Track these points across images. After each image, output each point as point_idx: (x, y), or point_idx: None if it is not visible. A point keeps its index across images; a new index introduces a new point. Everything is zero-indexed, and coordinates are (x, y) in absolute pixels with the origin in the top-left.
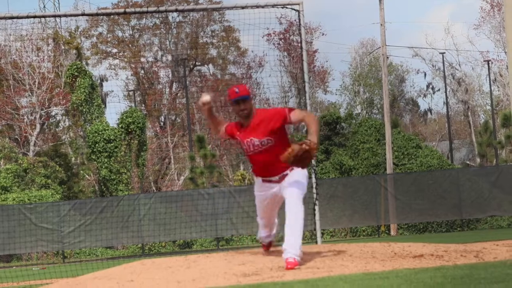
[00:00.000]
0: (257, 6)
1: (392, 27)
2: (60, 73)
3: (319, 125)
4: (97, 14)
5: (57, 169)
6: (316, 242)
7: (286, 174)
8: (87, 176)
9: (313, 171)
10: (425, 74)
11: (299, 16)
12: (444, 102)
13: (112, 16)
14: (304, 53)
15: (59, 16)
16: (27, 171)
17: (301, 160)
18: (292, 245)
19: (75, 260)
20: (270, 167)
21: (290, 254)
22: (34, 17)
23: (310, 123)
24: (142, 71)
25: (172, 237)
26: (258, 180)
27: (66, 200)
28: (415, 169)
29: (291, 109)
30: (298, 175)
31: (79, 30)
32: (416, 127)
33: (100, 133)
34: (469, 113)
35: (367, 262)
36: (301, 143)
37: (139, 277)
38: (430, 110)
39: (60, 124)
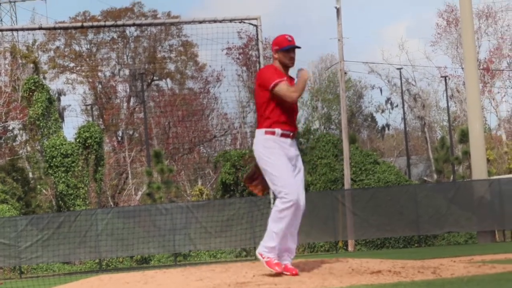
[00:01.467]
0: (215, 21)
1: (350, 42)
2: (17, 87)
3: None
4: (54, 28)
5: (14, 185)
6: None
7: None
8: (44, 191)
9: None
10: (381, 90)
11: (256, 31)
12: (402, 118)
13: (69, 30)
14: None
15: (16, 30)
16: None
17: None
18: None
19: (32, 276)
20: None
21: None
22: None
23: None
24: (100, 86)
25: (130, 253)
26: (272, 138)
27: (23, 215)
28: (373, 185)
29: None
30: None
31: (36, 44)
32: (374, 143)
33: (57, 147)
34: (426, 129)
35: (324, 279)
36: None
37: None
38: (387, 125)
39: (17, 139)
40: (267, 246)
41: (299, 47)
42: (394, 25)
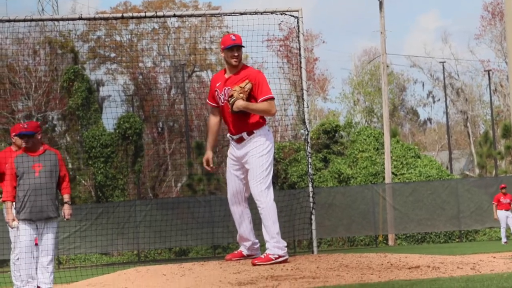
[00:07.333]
0: (256, 13)
1: (394, 35)
2: (56, 77)
3: (262, 111)
4: (94, 19)
5: None
6: (313, 252)
7: (243, 138)
8: (83, 181)
9: (310, 179)
10: (423, 84)
11: (298, 23)
12: (444, 112)
13: (110, 21)
14: (303, 60)
15: (56, 20)
16: None
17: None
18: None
19: (70, 266)
20: (234, 122)
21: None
22: (31, 20)
23: (260, 104)
24: (141, 76)
25: (168, 245)
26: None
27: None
28: (414, 179)
29: (268, 98)
30: (256, 162)
31: (77, 33)
32: (416, 137)
33: (96, 138)
34: (468, 124)
35: (363, 273)
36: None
37: (133, 285)
38: (429, 119)
39: (56, 129)
40: None
41: (242, 46)
42: (438, 18)
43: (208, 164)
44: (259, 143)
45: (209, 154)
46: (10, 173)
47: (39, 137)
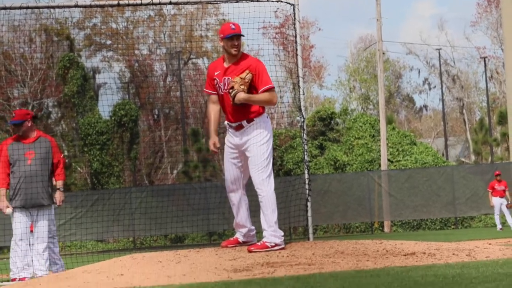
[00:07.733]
0: (252, 0)
1: (390, 22)
2: (52, 64)
3: (264, 102)
4: (90, 6)
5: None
6: (308, 238)
7: (242, 126)
8: (79, 168)
9: (305, 166)
10: (419, 71)
11: (294, 10)
12: (440, 99)
13: (106, 8)
14: (299, 48)
15: (52, 7)
16: None
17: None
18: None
19: (66, 253)
20: (233, 110)
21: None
22: (27, 7)
23: (261, 95)
24: (137, 64)
25: (164, 231)
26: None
27: None
28: (410, 166)
29: (269, 88)
30: (257, 151)
31: (72, 21)
32: (412, 124)
33: (92, 125)
34: (464, 110)
35: (358, 260)
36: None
37: (129, 271)
38: (425, 106)
39: (51, 116)
40: None
41: (242, 35)
42: (434, 5)
43: (215, 146)
44: (259, 131)
45: (214, 138)
46: (4, 160)
47: (29, 124)
